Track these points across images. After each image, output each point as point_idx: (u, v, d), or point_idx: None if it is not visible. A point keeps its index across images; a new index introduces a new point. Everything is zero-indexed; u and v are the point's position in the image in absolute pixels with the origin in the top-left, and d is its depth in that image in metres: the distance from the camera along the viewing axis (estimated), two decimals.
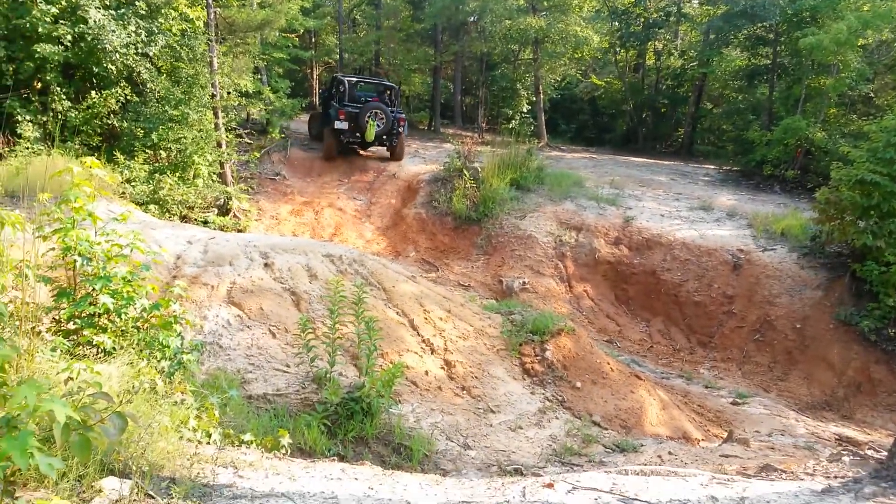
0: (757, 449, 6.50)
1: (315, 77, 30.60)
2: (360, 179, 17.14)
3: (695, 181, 17.97)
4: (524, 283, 12.20)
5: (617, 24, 26.45)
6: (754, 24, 20.68)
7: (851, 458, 5.11)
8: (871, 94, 19.87)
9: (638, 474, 3.66)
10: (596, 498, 3.21)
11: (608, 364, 7.93)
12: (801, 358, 10.73)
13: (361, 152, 18.38)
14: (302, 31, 23.10)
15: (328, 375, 5.93)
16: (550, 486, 3.39)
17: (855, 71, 16.55)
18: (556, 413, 6.93)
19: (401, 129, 17.63)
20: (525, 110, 25.74)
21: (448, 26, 25.21)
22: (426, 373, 6.89)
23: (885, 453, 4.76)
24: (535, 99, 24.28)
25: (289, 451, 4.28)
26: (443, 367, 7.13)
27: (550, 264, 12.86)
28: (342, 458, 4.97)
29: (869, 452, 5.90)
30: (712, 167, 20.93)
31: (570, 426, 6.67)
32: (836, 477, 4.12)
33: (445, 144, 20.21)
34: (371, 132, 16.83)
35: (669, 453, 5.97)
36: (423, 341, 7.36)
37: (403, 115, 17.90)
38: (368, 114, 16.86)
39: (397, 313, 7.66)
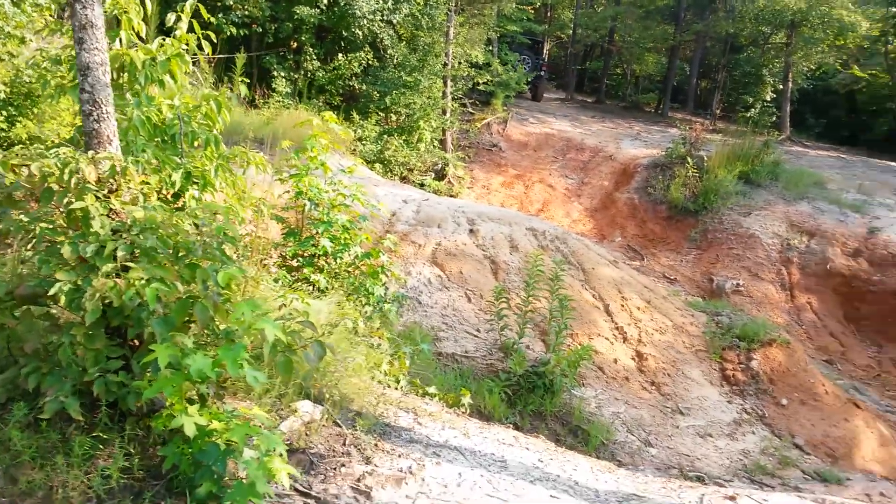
0: None
1: (545, 52, 30.52)
2: (575, 158, 16.92)
3: None
4: (738, 284, 11.29)
5: (893, 9, 22.95)
6: None
7: None
8: None
9: None
10: None
11: (823, 385, 7.11)
12: None
13: None
14: (538, 4, 23.12)
15: (515, 346, 6.01)
16: (733, 499, 3.15)
17: None
18: (752, 427, 6.39)
19: (542, 74, 23.02)
20: (768, 99, 23.47)
21: (693, 3, 23.66)
22: (615, 361, 6.70)
23: None
24: (781, 87, 22.04)
25: (468, 411, 4.43)
26: (633, 358, 6.89)
27: (772, 269, 11.73)
28: (518, 429, 5.04)
29: None
30: None
31: (767, 444, 6.12)
32: None
33: (671, 129, 19.20)
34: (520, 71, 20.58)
35: (881, 494, 5.24)
36: (617, 328, 7.15)
37: (544, 62, 24.02)
38: (519, 59, 20.87)
39: (593, 296, 7.51)
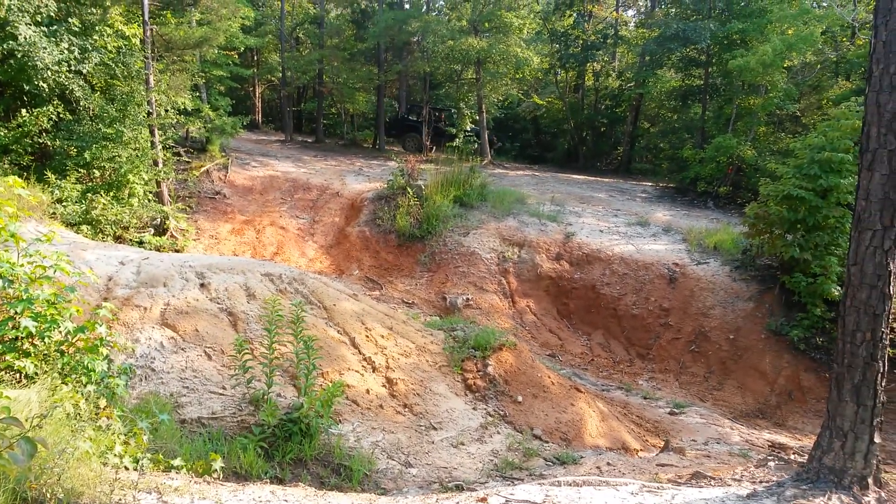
0: (693, 458, 6.66)
1: (258, 95, 30.24)
2: (303, 197, 16.99)
3: (633, 198, 18.46)
4: (468, 299, 12.26)
5: (556, 45, 27.08)
6: (686, 46, 21.45)
7: (777, 462, 5.29)
8: (798, 114, 20.82)
9: (571, 485, 3.71)
10: None
11: (549, 377, 8.02)
12: (734, 368, 11.08)
13: None
14: (243, 49, 22.88)
15: (266, 397, 5.82)
16: (484, 500, 3.41)
17: (782, 91, 17.35)
18: (497, 428, 6.96)
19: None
20: (468, 129, 26.02)
21: (391, 46, 25.35)
22: (367, 391, 6.83)
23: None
24: (478, 118, 24.58)
25: (221, 476, 4.18)
26: (384, 385, 7.09)
27: (493, 280, 12.97)
28: (280, 481, 4.88)
29: (793, 457, 6.12)
30: (649, 184, 21.56)
31: (512, 440, 6.71)
32: (761, 482, 4.26)
33: (390, 162, 20.26)
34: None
35: (608, 464, 6.06)
36: (365, 360, 7.30)
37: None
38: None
39: (338, 332, 7.59)
